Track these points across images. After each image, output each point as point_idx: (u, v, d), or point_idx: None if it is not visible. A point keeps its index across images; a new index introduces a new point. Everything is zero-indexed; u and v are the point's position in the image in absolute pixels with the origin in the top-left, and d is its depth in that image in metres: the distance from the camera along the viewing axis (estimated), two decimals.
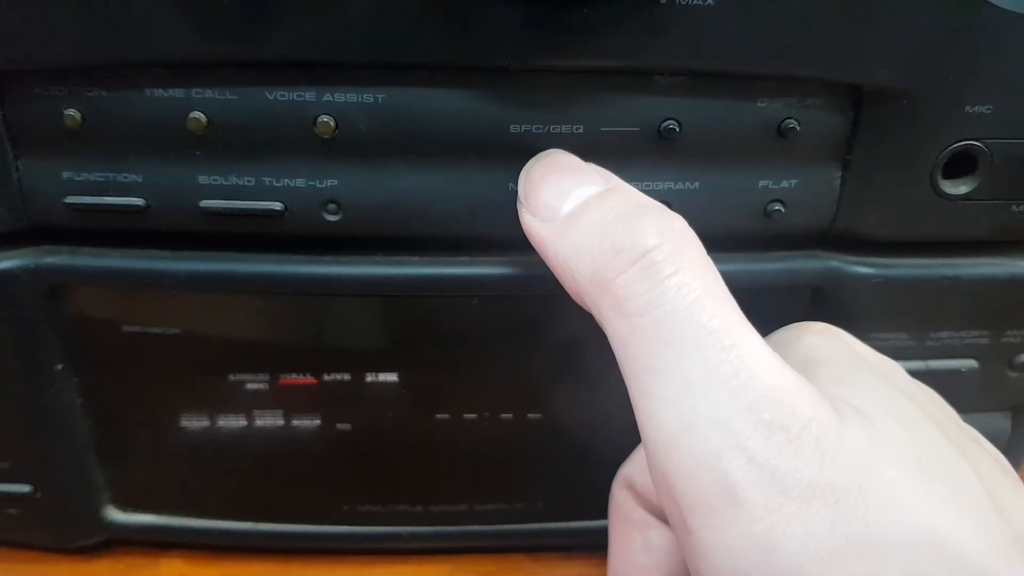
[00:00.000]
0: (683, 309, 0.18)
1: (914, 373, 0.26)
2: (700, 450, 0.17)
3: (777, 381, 0.17)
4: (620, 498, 0.25)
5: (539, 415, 0.29)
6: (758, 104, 0.24)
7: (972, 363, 0.29)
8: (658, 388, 0.18)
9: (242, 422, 0.29)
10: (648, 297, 0.18)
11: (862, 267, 0.27)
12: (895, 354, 0.27)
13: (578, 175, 0.22)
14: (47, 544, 0.31)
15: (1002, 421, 0.31)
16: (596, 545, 0.31)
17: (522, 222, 0.22)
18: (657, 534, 0.25)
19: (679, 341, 0.18)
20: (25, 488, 0.29)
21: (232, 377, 0.28)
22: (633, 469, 0.25)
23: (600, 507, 0.28)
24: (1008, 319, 0.28)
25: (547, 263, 0.21)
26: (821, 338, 0.22)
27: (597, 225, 0.20)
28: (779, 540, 0.16)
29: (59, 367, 0.27)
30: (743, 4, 0.21)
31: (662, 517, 0.24)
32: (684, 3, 0.21)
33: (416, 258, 0.26)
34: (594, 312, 0.20)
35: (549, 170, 0.22)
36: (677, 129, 0.24)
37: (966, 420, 0.27)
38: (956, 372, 0.29)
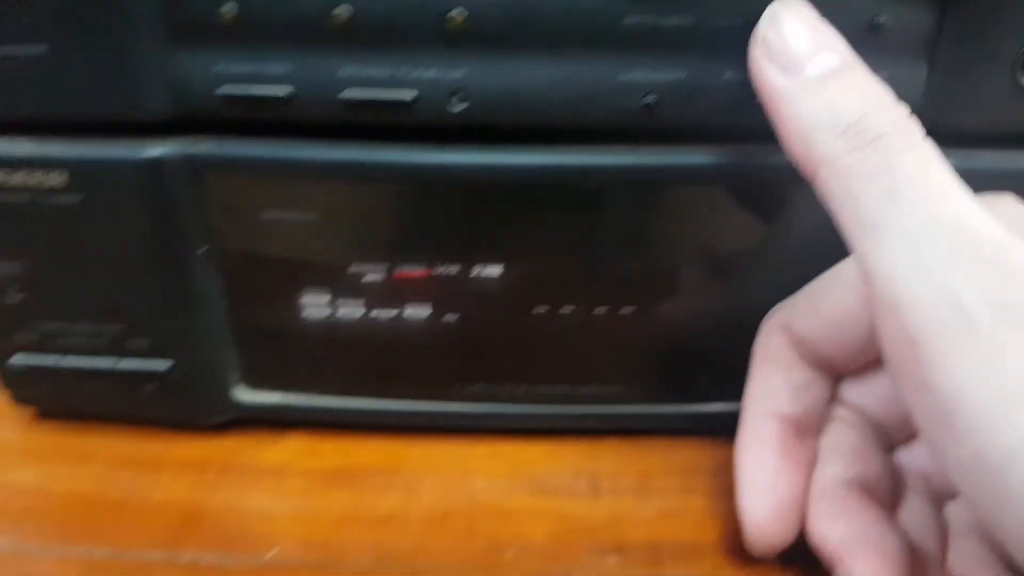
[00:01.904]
0: (913, 176, 0.21)
1: None
2: (934, 283, 0.20)
3: (998, 235, 0.21)
4: (772, 339, 0.28)
5: (636, 306, 0.32)
6: (852, 0, 0.26)
7: None
8: (888, 241, 0.21)
9: (362, 307, 0.31)
10: (880, 170, 0.21)
11: (947, 158, 0.28)
12: None
13: (825, 38, 0.23)
14: (179, 420, 0.34)
15: None
16: (688, 429, 0.34)
17: (756, 63, 0.24)
18: (799, 375, 0.28)
19: (910, 201, 0.21)
20: (165, 365, 0.32)
21: (355, 265, 0.31)
22: (792, 316, 0.28)
23: (693, 393, 0.32)
24: None
25: (773, 112, 0.23)
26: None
27: (841, 101, 0.22)
28: (1010, 358, 0.19)
29: (203, 250, 0.30)
30: None
31: (810, 361, 0.28)
32: None
33: (532, 147, 0.28)
34: (813, 170, 0.23)
35: (799, 23, 0.23)
36: None
37: None
38: None
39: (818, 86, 0.23)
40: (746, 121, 0.26)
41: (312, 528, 0.31)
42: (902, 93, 0.26)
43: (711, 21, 0.26)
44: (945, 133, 0.27)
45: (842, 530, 0.27)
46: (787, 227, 0.30)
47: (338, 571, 0.29)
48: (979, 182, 0.28)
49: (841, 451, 0.29)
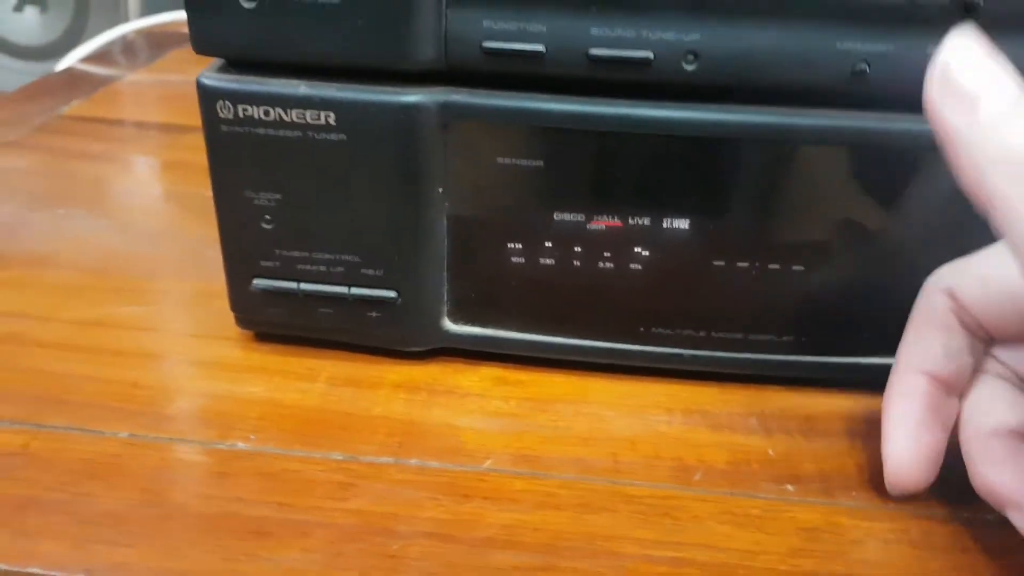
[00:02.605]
0: None
1: None
2: None
3: None
4: (936, 302, 0.31)
5: (805, 265, 0.35)
6: None
7: None
8: None
9: (561, 253, 0.35)
10: None
11: None
12: None
13: (997, 76, 0.24)
14: (394, 346, 0.38)
15: None
16: (849, 381, 0.37)
17: (930, 101, 0.24)
18: (957, 339, 0.30)
19: None
20: (391, 294, 0.36)
21: (560, 213, 0.34)
22: (959, 283, 0.30)
23: (851, 346, 0.35)
24: None
25: (947, 147, 0.24)
26: None
27: (1014, 141, 0.23)
28: None
29: (440, 190, 0.34)
30: None
31: (969, 327, 0.30)
32: None
33: (751, 107, 0.32)
34: (986, 205, 0.23)
35: (972, 62, 0.24)
36: (982, 3, 0.29)
37: None
38: None
39: (992, 126, 0.23)
40: None
41: (519, 444, 0.34)
42: None
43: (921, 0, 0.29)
44: None
45: (1010, 476, 0.29)
46: (951, 198, 0.34)
47: (548, 479, 0.33)
48: None
49: (1000, 402, 0.31)
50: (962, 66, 0.24)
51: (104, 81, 0.74)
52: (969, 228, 0.32)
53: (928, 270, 0.33)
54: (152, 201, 0.54)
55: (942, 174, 0.32)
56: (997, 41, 0.28)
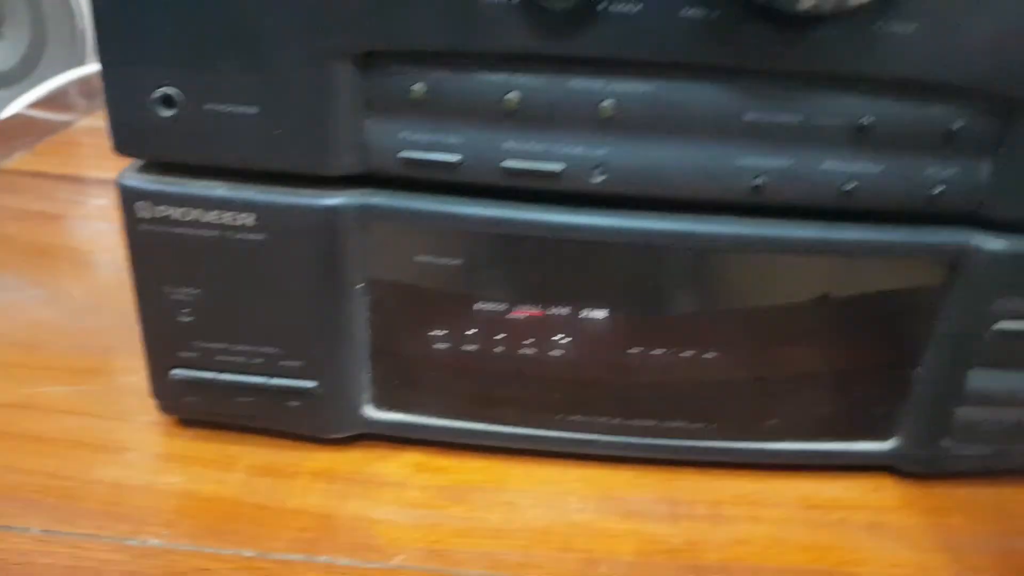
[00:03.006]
0: None
1: None
2: None
3: None
4: None
5: (717, 353, 0.37)
6: (935, 108, 0.31)
7: None
8: None
9: (482, 342, 0.36)
10: None
11: (998, 242, 0.34)
12: (1016, 316, 0.34)
13: None
14: (315, 433, 0.38)
15: None
16: (759, 464, 0.39)
17: None
18: None
19: None
20: (311, 384, 0.37)
21: (481, 304, 0.36)
22: None
23: (756, 432, 0.36)
24: None
25: None
26: None
27: None
28: None
29: (359, 286, 0.35)
30: (935, 31, 0.29)
31: None
32: (892, 27, 0.29)
33: (650, 214, 0.33)
34: None
35: None
36: (871, 124, 0.31)
37: None
38: None
39: None
40: (830, 200, 0.32)
41: (433, 538, 0.35)
42: (968, 185, 0.32)
43: (816, 120, 0.31)
44: (1001, 222, 0.33)
45: None
46: (840, 297, 0.36)
47: None
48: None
49: None
50: None
51: (55, 128, 0.72)
52: (857, 324, 0.34)
53: (823, 363, 0.35)
54: (92, 269, 0.53)
55: (834, 276, 0.34)
56: (885, 159, 0.30)
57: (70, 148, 0.66)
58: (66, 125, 0.72)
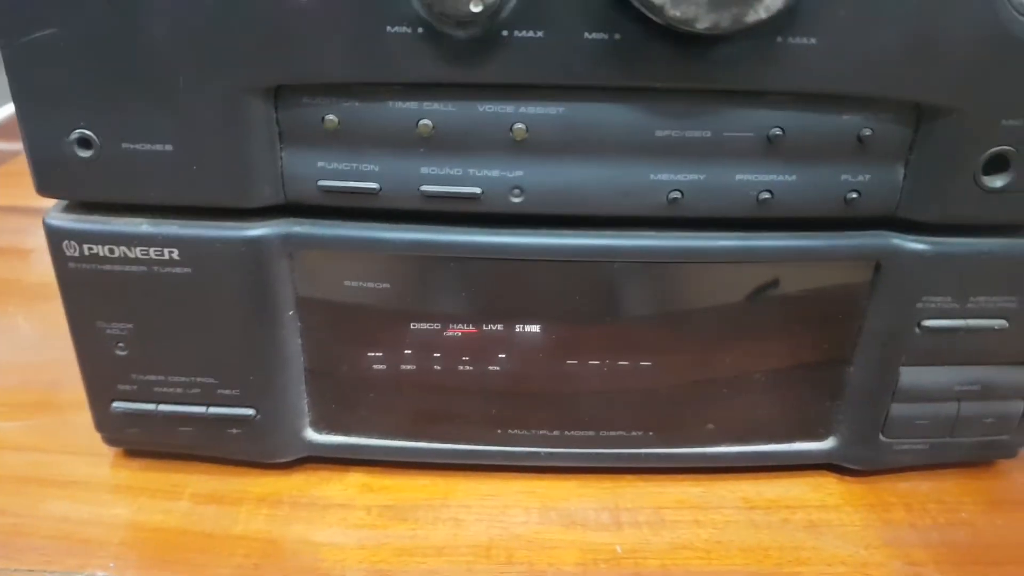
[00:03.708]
0: None
1: (955, 330, 0.34)
2: None
3: None
4: None
5: (652, 362, 0.37)
6: (843, 117, 0.31)
7: (1003, 322, 0.36)
8: None
9: (419, 361, 0.36)
10: None
11: (918, 244, 0.34)
12: (939, 314, 0.34)
13: None
14: (257, 459, 0.39)
15: None
16: (701, 468, 0.39)
17: None
18: None
19: None
20: (250, 412, 0.37)
21: (415, 324, 0.36)
22: None
23: (694, 437, 0.37)
24: None
25: None
26: None
27: None
28: None
29: (290, 313, 0.35)
30: (836, 44, 0.29)
31: None
32: (792, 41, 0.29)
33: (572, 232, 0.34)
34: None
35: None
36: (781, 134, 0.31)
37: (994, 373, 0.35)
38: (990, 330, 0.36)
39: None
40: (746, 210, 0.33)
41: (376, 558, 0.35)
42: (883, 191, 0.32)
43: (725, 134, 0.31)
44: (918, 223, 0.33)
45: None
46: (769, 301, 0.36)
47: None
48: (947, 264, 0.34)
49: None
50: None
51: (3, 158, 0.72)
52: (789, 326, 0.35)
53: (757, 365, 0.36)
54: (40, 301, 0.53)
55: (760, 281, 0.34)
56: (797, 168, 0.30)
57: (19, 179, 0.66)
58: (15, 155, 0.72)
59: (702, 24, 0.27)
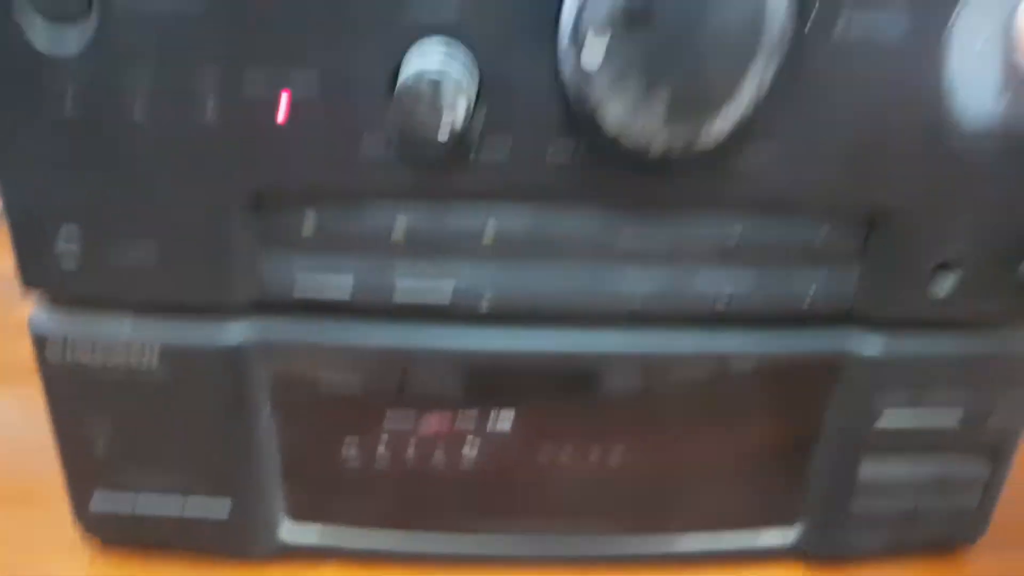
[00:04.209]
0: None
1: (908, 426, 0.36)
2: None
3: None
4: None
5: (621, 456, 0.38)
6: (797, 224, 0.33)
7: (958, 417, 0.37)
8: None
9: (393, 456, 0.37)
10: None
11: (874, 343, 0.36)
12: (896, 409, 0.36)
13: None
14: (234, 554, 0.39)
15: (981, 465, 0.39)
16: (670, 560, 0.40)
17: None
18: None
19: None
20: (226, 508, 0.38)
21: (390, 421, 0.37)
22: None
23: (665, 530, 0.38)
24: (987, 382, 0.37)
25: None
26: None
27: None
28: None
29: (266, 412, 0.36)
30: (787, 158, 0.31)
31: None
32: (746, 157, 0.31)
33: (541, 332, 0.35)
34: None
35: None
36: (738, 242, 0.33)
37: (950, 465, 0.36)
38: (944, 424, 0.37)
39: None
40: (707, 313, 0.34)
41: None
42: (838, 293, 0.34)
43: (685, 242, 0.33)
44: (873, 324, 0.35)
45: None
46: (733, 396, 0.37)
47: None
48: (904, 361, 0.35)
49: None
50: None
51: None
52: (752, 421, 0.36)
53: (723, 458, 0.37)
54: (23, 383, 0.53)
55: (709, 377, 0.36)
56: (756, 272, 0.32)
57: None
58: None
59: (656, 148, 0.29)
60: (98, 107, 0.29)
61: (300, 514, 0.39)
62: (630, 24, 0.26)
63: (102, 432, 0.36)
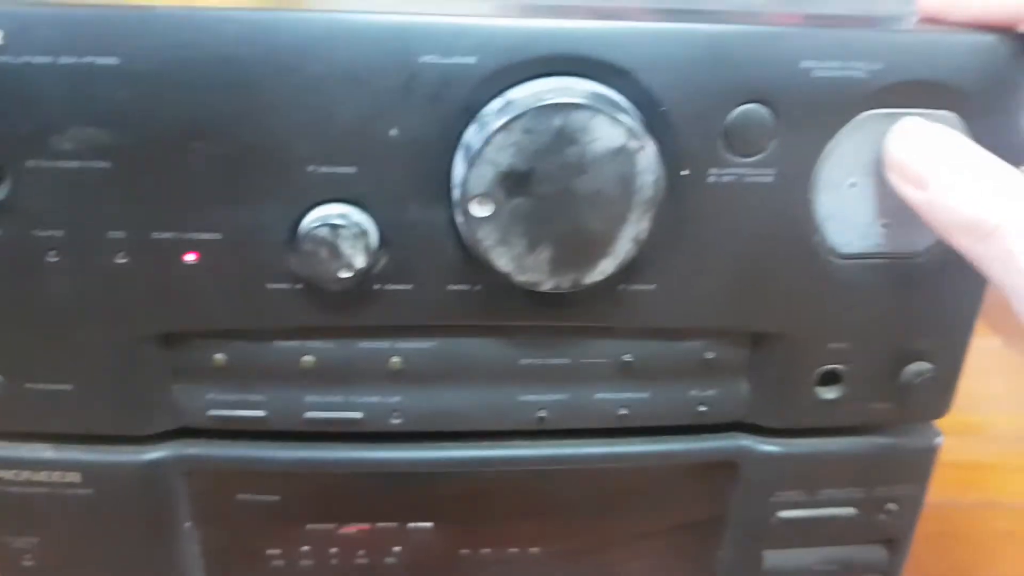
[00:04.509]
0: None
1: (809, 519, 0.38)
2: None
3: None
4: None
5: (537, 552, 0.40)
6: (686, 344, 0.35)
7: (852, 510, 0.40)
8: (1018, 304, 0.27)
9: (316, 559, 0.39)
10: (1000, 247, 0.27)
11: (768, 446, 0.38)
12: (793, 506, 0.38)
13: (938, 154, 0.29)
14: None
15: (879, 551, 0.41)
16: None
17: (893, 186, 0.30)
18: None
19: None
20: None
21: (311, 526, 0.38)
22: None
23: None
24: (876, 479, 0.39)
25: (920, 217, 0.29)
26: None
27: (960, 205, 0.28)
28: None
29: (187, 525, 0.37)
30: (672, 288, 0.33)
31: None
32: (633, 288, 0.33)
33: (451, 444, 0.37)
34: (959, 249, 0.28)
35: (914, 148, 0.30)
36: (632, 361, 0.35)
37: (850, 552, 0.39)
38: (840, 517, 0.39)
39: (941, 195, 0.28)
40: (607, 424, 0.36)
41: None
42: (730, 403, 0.36)
43: (582, 360, 0.35)
44: (767, 428, 0.37)
45: None
46: (639, 497, 0.39)
47: None
48: (796, 462, 0.37)
49: None
50: (909, 149, 0.30)
51: None
52: (661, 516, 0.38)
53: (635, 554, 0.38)
54: None
55: (617, 480, 0.37)
56: (650, 388, 0.34)
57: None
58: None
59: (545, 287, 0.31)
60: (14, 259, 0.31)
61: None
62: (508, 193, 0.28)
63: (28, 548, 0.37)
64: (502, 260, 0.30)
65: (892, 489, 0.39)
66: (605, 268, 0.30)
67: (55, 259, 0.31)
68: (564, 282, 0.31)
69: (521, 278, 0.30)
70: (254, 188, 0.30)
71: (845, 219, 0.33)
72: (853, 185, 0.32)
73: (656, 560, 0.40)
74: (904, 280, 0.34)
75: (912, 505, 0.40)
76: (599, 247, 0.30)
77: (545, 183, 0.28)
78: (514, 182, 0.28)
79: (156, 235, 0.30)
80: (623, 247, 0.30)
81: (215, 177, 0.29)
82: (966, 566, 0.50)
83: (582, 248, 0.29)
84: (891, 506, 0.40)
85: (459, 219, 0.29)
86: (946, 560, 0.50)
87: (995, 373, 0.69)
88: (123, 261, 0.31)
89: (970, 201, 0.28)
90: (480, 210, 0.29)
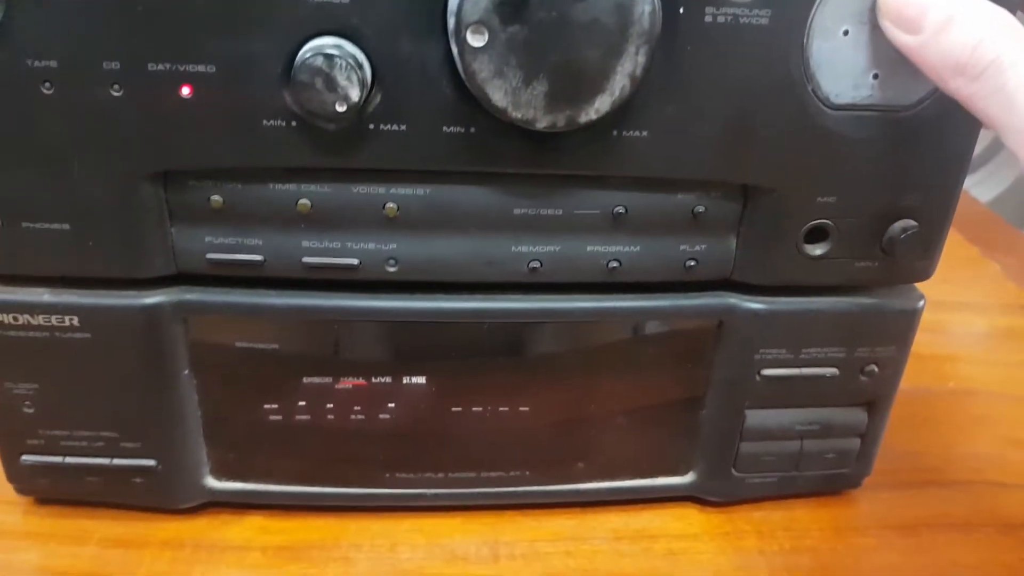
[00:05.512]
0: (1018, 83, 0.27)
1: (791, 378, 0.39)
2: None
3: None
4: None
5: (527, 408, 0.41)
6: (678, 196, 0.36)
7: (834, 370, 0.41)
8: (1013, 136, 0.27)
9: (312, 412, 0.40)
10: (995, 91, 0.27)
11: (753, 303, 0.39)
12: (776, 364, 0.39)
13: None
14: (160, 506, 0.41)
15: (859, 414, 0.43)
16: (575, 503, 0.43)
17: (886, 32, 0.31)
18: None
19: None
20: (151, 463, 0.40)
21: (307, 379, 0.39)
22: None
23: (567, 475, 0.40)
24: (858, 339, 0.40)
25: (913, 62, 0.30)
26: None
27: (953, 46, 0.28)
28: None
29: (185, 372, 0.38)
30: (665, 136, 0.33)
31: None
32: (626, 134, 0.33)
33: (446, 296, 0.37)
34: (952, 91, 0.29)
35: None
36: (624, 212, 0.35)
37: (831, 414, 0.40)
38: (822, 377, 0.41)
39: (934, 37, 0.29)
40: (598, 277, 0.37)
41: None
42: (718, 258, 0.36)
43: (575, 212, 0.35)
44: (751, 285, 0.38)
45: None
46: (627, 354, 0.40)
47: None
48: (780, 320, 0.38)
49: None
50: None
51: None
52: (648, 375, 0.39)
53: (621, 409, 0.40)
54: None
55: (605, 337, 0.38)
56: (641, 240, 0.34)
57: None
58: None
59: (541, 124, 0.31)
60: (8, 92, 0.31)
61: (223, 471, 0.41)
62: (504, 21, 0.28)
63: (28, 394, 0.38)
64: (497, 94, 0.30)
65: (874, 351, 0.40)
66: (600, 106, 0.31)
67: (49, 91, 0.31)
68: (559, 120, 0.31)
69: (516, 114, 0.30)
70: (247, 18, 0.30)
71: (837, 68, 0.33)
72: (847, 33, 0.32)
73: (643, 420, 0.41)
74: (893, 133, 0.34)
75: (894, 368, 0.41)
76: (595, 82, 0.30)
77: (541, 10, 0.28)
78: (510, 9, 0.28)
79: (151, 66, 0.30)
80: (619, 82, 0.30)
81: (208, 6, 0.29)
82: (943, 444, 0.51)
83: (578, 82, 0.30)
84: (872, 367, 0.41)
85: (455, 50, 0.30)
86: (922, 439, 0.51)
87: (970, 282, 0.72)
88: (118, 94, 0.31)
89: (963, 40, 0.28)
90: (475, 39, 0.29)
